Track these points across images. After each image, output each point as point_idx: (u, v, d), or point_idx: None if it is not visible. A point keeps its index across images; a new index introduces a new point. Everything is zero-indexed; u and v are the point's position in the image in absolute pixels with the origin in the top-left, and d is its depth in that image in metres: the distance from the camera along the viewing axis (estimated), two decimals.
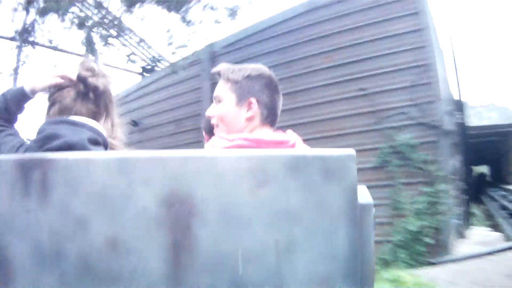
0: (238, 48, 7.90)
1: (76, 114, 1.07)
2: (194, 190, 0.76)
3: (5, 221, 0.73)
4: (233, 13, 7.69)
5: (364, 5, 6.15)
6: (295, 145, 1.21)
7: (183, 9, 7.49)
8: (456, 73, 8.83)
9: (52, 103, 1.09)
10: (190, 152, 0.79)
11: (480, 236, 7.27)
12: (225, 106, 1.24)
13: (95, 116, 1.10)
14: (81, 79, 1.09)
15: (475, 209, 12.23)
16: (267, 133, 1.21)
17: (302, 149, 1.16)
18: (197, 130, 7.99)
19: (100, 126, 1.07)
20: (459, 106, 8.69)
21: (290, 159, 0.84)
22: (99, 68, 1.14)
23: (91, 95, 1.10)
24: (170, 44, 7.69)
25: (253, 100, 1.21)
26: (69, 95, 1.08)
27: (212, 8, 7.55)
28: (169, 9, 7.46)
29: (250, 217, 0.79)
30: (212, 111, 1.26)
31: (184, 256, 0.75)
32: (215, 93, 1.27)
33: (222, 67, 1.28)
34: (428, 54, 5.72)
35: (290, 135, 1.21)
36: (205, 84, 8.15)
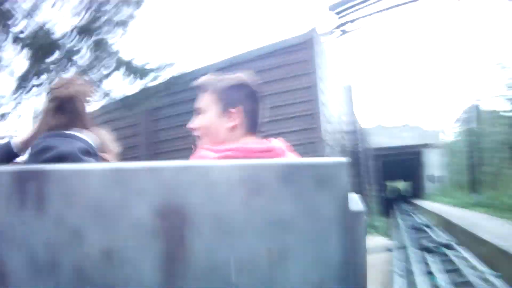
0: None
1: (58, 126, 1.09)
2: (187, 200, 0.78)
3: (1, 233, 0.74)
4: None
5: (271, 65, 7.71)
6: (284, 153, 1.22)
7: None
8: (352, 105, 10.61)
9: (35, 119, 1.12)
10: (183, 162, 0.81)
11: (369, 243, 7.87)
12: (207, 117, 1.24)
13: (67, 127, 1.12)
14: (48, 93, 1.11)
15: (381, 221, 13.60)
16: (253, 142, 1.21)
17: (294, 158, 1.17)
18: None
19: (91, 138, 1.09)
20: (357, 133, 11.04)
21: (282, 168, 0.85)
22: (73, 78, 1.16)
23: (67, 106, 1.12)
24: None
25: (235, 110, 1.21)
26: (49, 109, 1.11)
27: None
28: None
29: (242, 226, 0.80)
30: (194, 123, 1.26)
31: (178, 266, 0.76)
32: (197, 105, 1.27)
33: (203, 79, 1.28)
34: (314, 106, 7.52)
35: (276, 143, 1.21)
36: None
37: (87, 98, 1.16)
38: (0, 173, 0.75)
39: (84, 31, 7.92)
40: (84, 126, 1.13)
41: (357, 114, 12.15)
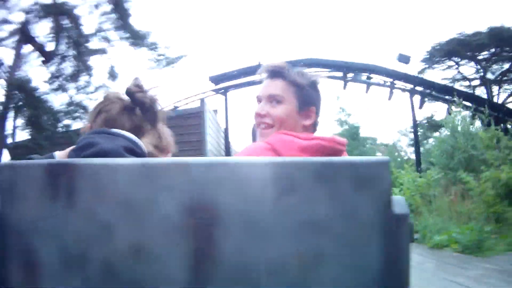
0: None
1: (120, 126, 1.10)
2: (217, 198, 0.75)
3: (34, 225, 0.75)
4: None
5: (177, 123, 10.48)
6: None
7: None
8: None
9: (98, 112, 1.13)
10: (214, 158, 0.78)
11: None
12: (286, 109, 1.18)
13: (139, 130, 1.13)
14: (128, 94, 1.12)
15: None
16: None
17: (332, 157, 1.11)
18: None
19: (138, 139, 1.08)
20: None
21: (318, 166, 0.80)
22: (147, 85, 1.17)
23: (137, 110, 1.13)
24: None
25: (313, 108, 1.18)
26: (115, 107, 1.12)
27: None
28: None
29: (274, 226, 0.76)
30: (268, 110, 1.19)
31: (205, 265, 0.74)
32: (274, 92, 1.19)
33: (284, 65, 1.21)
34: (202, 148, 11.67)
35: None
36: None
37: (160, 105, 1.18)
38: (33, 166, 0.76)
39: None
40: (158, 132, 1.14)
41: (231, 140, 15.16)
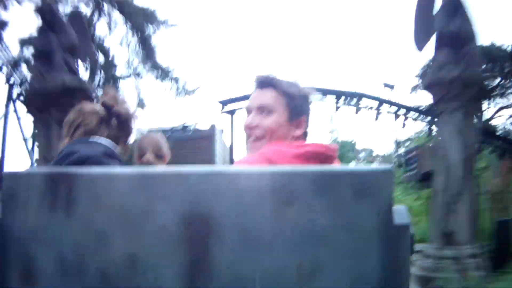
0: None
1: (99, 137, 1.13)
2: (213, 208, 0.74)
3: (34, 232, 0.76)
4: None
5: (190, 145, 13.01)
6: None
7: None
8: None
9: (76, 127, 1.14)
10: (210, 168, 0.77)
11: None
12: (276, 119, 1.16)
13: (116, 139, 1.16)
14: (105, 107, 1.14)
15: None
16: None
17: (331, 165, 1.09)
18: None
19: (114, 146, 1.11)
20: None
21: (317, 176, 0.79)
22: (122, 97, 1.19)
23: (113, 121, 1.16)
24: None
25: (304, 118, 1.17)
26: (93, 121, 1.14)
27: None
28: None
29: (271, 237, 0.75)
30: (258, 121, 1.16)
31: (201, 276, 0.73)
32: (265, 102, 1.16)
33: (274, 76, 1.18)
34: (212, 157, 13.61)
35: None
36: None
37: (135, 120, 1.21)
38: (33, 174, 0.77)
39: None
40: (126, 141, 1.18)
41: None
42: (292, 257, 0.76)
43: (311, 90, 1.22)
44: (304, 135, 1.19)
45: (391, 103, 14.69)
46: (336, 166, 1.01)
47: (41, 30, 5.72)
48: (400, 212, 0.88)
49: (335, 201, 0.79)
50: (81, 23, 6.74)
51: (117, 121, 1.18)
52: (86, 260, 0.74)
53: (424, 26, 5.92)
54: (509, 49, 17.92)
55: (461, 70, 5.31)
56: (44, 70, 5.37)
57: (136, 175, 0.76)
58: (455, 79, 5.33)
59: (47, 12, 5.62)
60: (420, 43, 6.06)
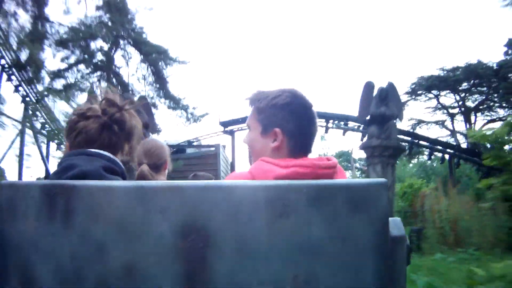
0: None
1: (100, 144, 1.11)
2: (210, 221, 0.75)
3: (32, 243, 0.77)
4: None
5: (197, 162, 14.51)
6: (342, 172, 1.17)
7: None
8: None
9: (77, 134, 1.13)
10: (207, 182, 0.78)
11: None
12: (252, 135, 1.21)
13: (116, 146, 1.15)
14: (107, 114, 1.14)
15: None
16: (317, 159, 1.11)
17: (330, 179, 1.08)
18: None
19: (115, 157, 1.11)
20: None
21: (312, 189, 0.80)
22: (123, 102, 1.18)
23: (115, 127, 1.15)
24: None
25: (277, 130, 1.15)
26: (94, 127, 1.13)
27: None
28: None
29: (267, 249, 0.76)
30: (244, 140, 1.26)
31: (198, 287, 0.74)
32: (247, 121, 1.25)
33: (252, 94, 1.23)
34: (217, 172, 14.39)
35: (335, 160, 1.14)
36: None
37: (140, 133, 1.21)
38: (32, 186, 0.78)
39: None
40: (130, 147, 1.17)
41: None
42: (288, 268, 0.77)
43: (290, 96, 1.18)
44: (291, 148, 1.15)
45: None
46: (333, 180, 0.99)
47: None
48: (396, 224, 0.89)
49: (330, 214, 0.80)
50: (147, 105, 9.64)
51: (118, 128, 1.16)
52: (84, 270, 0.75)
53: (365, 108, 9.22)
54: (494, 66, 19.12)
55: (381, 140, 8.73)
56: None
57: (134, 188, 0.77)
58: (378, 145, 8.65)
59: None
60: (362, 117, 9.75)
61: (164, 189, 0.76)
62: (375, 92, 9.13)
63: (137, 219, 0.75)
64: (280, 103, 1.16)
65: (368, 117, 9.18)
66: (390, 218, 0.85)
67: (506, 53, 20.98)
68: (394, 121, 9.03)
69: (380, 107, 8.70)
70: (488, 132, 5.95)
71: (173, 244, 0.75)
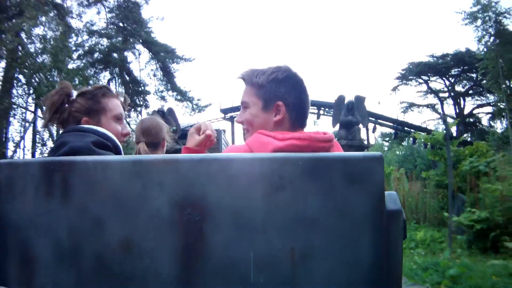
0: None
1: (76, 112, 1.20)
2: (206, 194, 0.75)
3: (30, 220, 0.77)
4: None
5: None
6: (338, 145, 1.18)
7: None
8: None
9: (67, 117, 1.22)
10: (203, 155, 0.78)
11: None
12: (252, 111, 1.21)
13: (90, 113, 1.23)
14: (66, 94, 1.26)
15: None
16: (314, 132, 1.15)
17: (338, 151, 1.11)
18: None
19: (108, 132, 1.12)
20: None
21: (308, 162, 0.80)
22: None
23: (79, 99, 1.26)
24: None
25: (280, 103, 1.17)
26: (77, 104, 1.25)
27: None
28: None
29: (264, 222, 0.77)
30: (241, 117, 1.25)
31: (195, 260, 0.74)
32: (242, 99, 1.25)
33: (246, 72, 1.25)
34: None
35: (331, 134, 1.15)
36: None
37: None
38: (29, 163, 0.78)
39: None
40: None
41: None
42: (285, 241, 0.77)
43: (287, 71, 1.21)
44: (294, 120, 1.18)
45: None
46: (329, 153, 1.00)
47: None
48: (392, 198, 0.89)
49: (326, 187, 0.80)
50: (173, 113, 12.09)
51: (83, 98, 1.26)
52: (82, 246, 0.75)
53: (336, 116, 12.31)
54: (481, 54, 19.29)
55: (348, 140, 11.58)
56: None
57: (130, 162, 0.77)
58: (345, 145, 10.82)
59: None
60: (334, 124, 12.54)
61: (161, 162, 0.76)
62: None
63: (134, 194, 0.75)
64: (280, 77, 1.18)
65: (337, 124, 12.17)
66: (386, 192, 0.85)
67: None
68: (358, 126, 11.96)
69: (348, 116, 11.77)
70: (431, 136, 8.04)
71: (170, 218, 0.75)
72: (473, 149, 7.96)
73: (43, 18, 11.72)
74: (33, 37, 11.38)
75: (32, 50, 11.27)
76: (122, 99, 1.34)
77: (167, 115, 11.61)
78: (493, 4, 16.75)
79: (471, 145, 8.28)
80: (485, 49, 17.13)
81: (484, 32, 17.24)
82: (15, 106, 11.74)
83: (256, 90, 1.20)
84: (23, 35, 11.46)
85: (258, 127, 1.17)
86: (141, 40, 19.50)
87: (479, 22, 17.11)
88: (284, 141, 1.01)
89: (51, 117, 1.23)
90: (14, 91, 11.53)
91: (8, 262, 0.78)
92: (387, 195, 0.86)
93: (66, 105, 1.25)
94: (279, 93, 1.17)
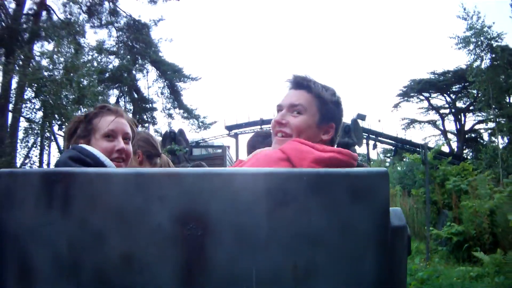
0: None
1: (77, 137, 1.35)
2: (209, 209, 0.75)
3: (30, 232, 0.76)
4: None
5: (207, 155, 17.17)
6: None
7: None
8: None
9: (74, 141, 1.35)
10: (206, 169, 0.78)
11: None
12: (306, 120, 1.17)
13: (84, 135, 1.35)
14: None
15: None
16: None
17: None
18: None
19: (91, 148, 1.21)
20: None
21: (312, 177, 0.79)
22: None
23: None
24: None
25: (333, 125, 1.19)
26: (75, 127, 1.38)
27: None
28: None
29: (266, 238, 0.76)
30: (288, 119, 1.18)
31: (197, 275, 0.73)
32: (298, 101, 1.18)
33: (310, 78, 1.21)
34: None
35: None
36: None
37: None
38: (30, 174, 0.78)
39: None
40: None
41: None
42: (288, 257, 0.76)
43: (341, 98, 1.23)
44: (332, 141, 1.20)
45: (363, 130, 19.74)
46: (333, 169, 0.99)
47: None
48: (397, 214, 0.88)
49: (331, 203, 0.79)
50: (183, 133, 12.60)
51: (83, 123, 1.36)
52: (82, 259, 0.74)
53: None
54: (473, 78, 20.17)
55: None
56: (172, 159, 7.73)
57: (132, 175, 0.77)
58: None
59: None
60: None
61: (163, 176, 0.76)
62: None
63: (136, 207, 0.75)
64: (340, 101, 1.21)
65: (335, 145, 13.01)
66: (390, 208, 0.84)
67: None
68: (354, 147, 11.99)
69: (344, 138, 11.86)
70: (418, 156, 8.57)
71: (171, 232, 0.74)
72: (460, 168, 8.74)
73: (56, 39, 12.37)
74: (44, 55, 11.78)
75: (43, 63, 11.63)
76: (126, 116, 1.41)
77: (178, 136, 12.06)
78: (485, 29, 17.57)
79: (457, 165, 9.09)
80: (476, 73, 17.82)
81: (476, 56, 18.01)
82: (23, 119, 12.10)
83: (318, 103, 1.19)
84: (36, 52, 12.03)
85: (304, 137, 1.14)
86: (150, 60, 20.51)
87: (471, 46, 17.90)
88: (328, 153, 1.01)
89: (67, 145, 1.37)
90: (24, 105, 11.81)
91: (7, 273, 0.77)
92: (392, 211, 0.85)
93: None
94: (336, 116, 1.20)
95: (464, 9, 17.69)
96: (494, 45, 17.50)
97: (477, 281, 4.52)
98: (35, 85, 11.01)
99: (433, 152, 8.53)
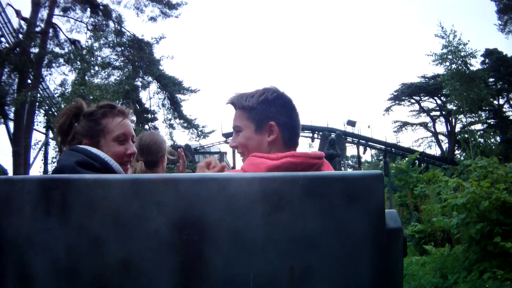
0: None
1: (78, 135, 1.25)
2: (205, 214, 0.75)
3: (28, 238, 0.77)
4: None
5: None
6: (328, 164, 1.19)
7: None
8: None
9: (72, 138, 1.25)
10: (202, 174, 0.79)
11: None
12: (246, 134, 1.22)
13: (90, 135, 1.26)
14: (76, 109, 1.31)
15: None
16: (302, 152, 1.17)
17: (323, 171, 1.11)
18: None
19: (99, 152, 1.15)
20: None
21: (307, 181, 0.80)
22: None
23: (81, 120, 1.30)
24: None
25: (272, 123, 1.18)
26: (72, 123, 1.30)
27: None
28: None
29: (263, 242, 0.76)
30: (234, 142, 1.26)
31: (194, 280, 0.74)
32: (234, 123, 1.26)
33: (234, 96, 1.26)
34: None
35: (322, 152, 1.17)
36: None
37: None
38: (28, 180, 0.78)
39: None
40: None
41: None
42: (284, 261, 0.77)
43: (276, 91, 1.22)
44: (287, 139, 1.20)
45: (353, 136, 23.10)
46: (328, 172, 1.01)
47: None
48: (392, 216, 0.89)
49: (326, 206, 0.80)
50: (189, 148, 13.56)
51: (85, 120, 1.27)
52: (80, 265, 0.75)
53: (321, 149, 13.56)
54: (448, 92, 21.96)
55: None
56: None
57: (130, 181, 0.77)
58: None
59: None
60: None
61: (160, 182, 0.76)
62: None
63: (133, 213, 0.75)
64: (270, 98, 1.19)
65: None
66: (386, 210, 0.85)
67: (483, 62, 24.62)
68: (339, 158, 14.03)
69: (330, 150, 13.75)
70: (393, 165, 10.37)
71: (169, 238, 0.75)
72: (430, 175, 10.34)
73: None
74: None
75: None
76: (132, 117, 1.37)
77: (185, 150, 12.39)
78: (460, 47, 20.09)
79: (428, 173, 10.79)
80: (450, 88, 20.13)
81: (452, 71, 20.33)
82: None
83: (247, 113, 1.21)
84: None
85: (253, 149, 1.18)
86: (154, 77, 21.63)
87: (447, 63, 20.52)
88: (280, 159, 1.02)
89: (62, 140, 1.28)
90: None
91: (5, 280, 0.78)
92: (387, 213, 0.86)
93: (74, 125, 1.29)
94: (271, 113, 1.19)
95: (442, 28, 20.26)
96: (467, 62, 20.15)
97: (424, 267, 6.08)
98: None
99: (408, 161, 10.26)
